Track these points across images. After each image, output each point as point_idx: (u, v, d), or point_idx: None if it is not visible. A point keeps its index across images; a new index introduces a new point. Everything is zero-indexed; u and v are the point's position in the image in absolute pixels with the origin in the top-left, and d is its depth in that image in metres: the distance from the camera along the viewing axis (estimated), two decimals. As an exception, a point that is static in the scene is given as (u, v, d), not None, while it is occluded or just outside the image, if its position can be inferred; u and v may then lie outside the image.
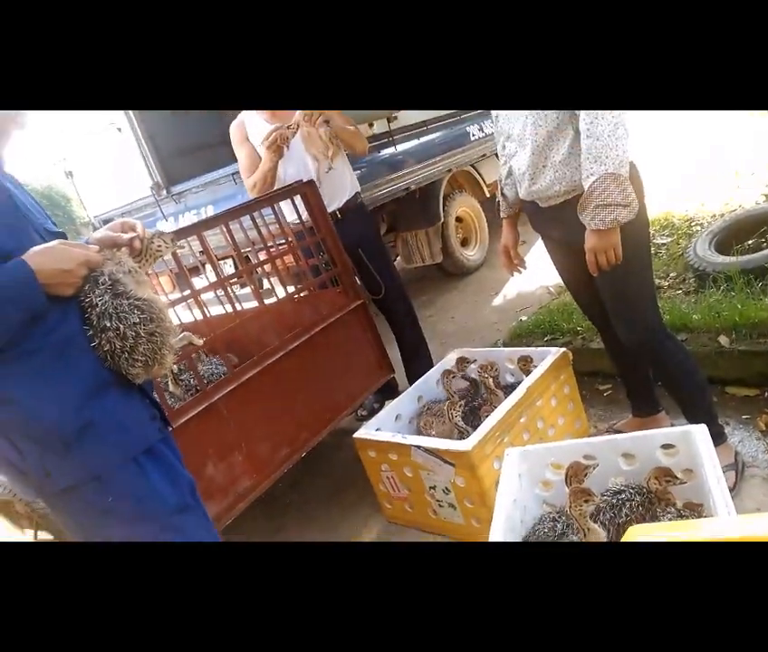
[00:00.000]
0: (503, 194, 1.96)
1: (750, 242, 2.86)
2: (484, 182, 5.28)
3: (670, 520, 1.47)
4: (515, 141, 1.76)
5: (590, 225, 1.58)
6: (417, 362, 2.86)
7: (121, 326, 1.17)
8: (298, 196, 2.42)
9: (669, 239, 3.54)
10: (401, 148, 4.32)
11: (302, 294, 2.56)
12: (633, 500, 1.54)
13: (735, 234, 2.92)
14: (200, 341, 1.56)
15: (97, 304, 1.17)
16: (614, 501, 1.55)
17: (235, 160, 2.90)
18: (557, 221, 1.78)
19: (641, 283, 1.75)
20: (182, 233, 2.13)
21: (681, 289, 2.85)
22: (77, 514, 1.22)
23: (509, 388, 2.24)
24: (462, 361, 2.38)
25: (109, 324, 1.17)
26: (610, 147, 1.50)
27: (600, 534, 1.45)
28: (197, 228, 2.14)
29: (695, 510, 1.49)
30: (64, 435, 1.14)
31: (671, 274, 3.03)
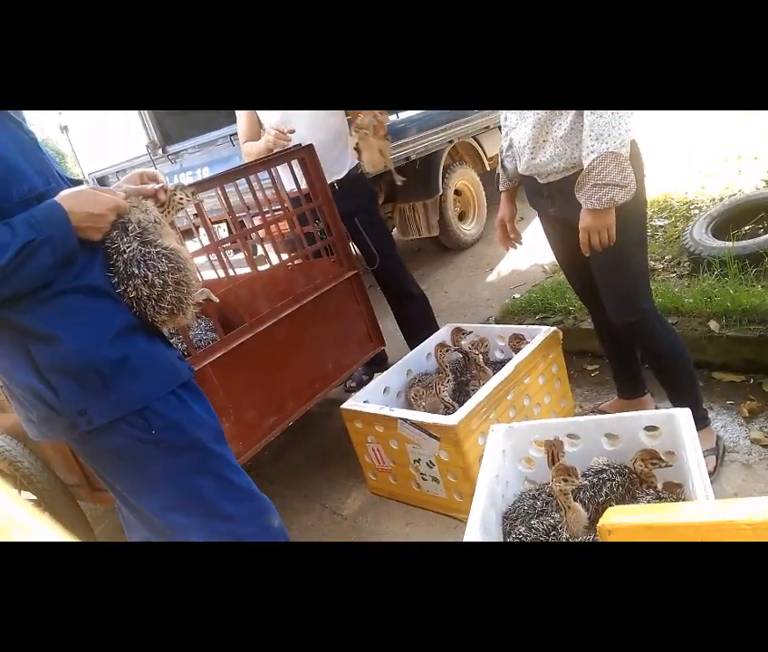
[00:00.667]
0: (503, 166, 1.94)
1: (747, 227, 2.85)
2: (486, 155, 5.20)
3: (649, 501, 1.49)
4: (517, 112, 1.74)
5: (585, 204, 1.57)
6: (414, 342, 2.79)
7: (149, 274, 1.17)
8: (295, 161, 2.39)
9: (667, 221, 3.53)
10: (403, 115, 4.25)
11: (295, 262, 2.54)
12: (614, 480, 1.56)
13: (734, 219, 2.91)
14: (217, 299, 1.56)
15: (125, 251, 1.17)
16: (595, 480, 1.57)
17: (233, 122, 2.86)
18: (555, 197, 1.76)
19: (635, 263, 1.74)
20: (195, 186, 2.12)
21: (675, 272, 2.85)
22: (113, 453, 1.23)
23: (498, 365, 2.25)
24: (457, 332, 2.38)
25: (137, 271, 1.17)
26: (613, 125, 1.48)
27: (580, 512, 1.47)
28: (192, 189, 2.11)
29: (673, 491, 1.52)
30: (102, 369, 1.15)
31: (666, 257, 3.02)
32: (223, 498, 1.30)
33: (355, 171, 2.73)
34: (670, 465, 1.53)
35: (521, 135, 1.73)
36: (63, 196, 1.11)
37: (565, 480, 1.43)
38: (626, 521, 1.18)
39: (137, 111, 4.16)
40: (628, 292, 1.75)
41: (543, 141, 1.67)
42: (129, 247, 1.17)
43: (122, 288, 1.18)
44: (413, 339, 2.77)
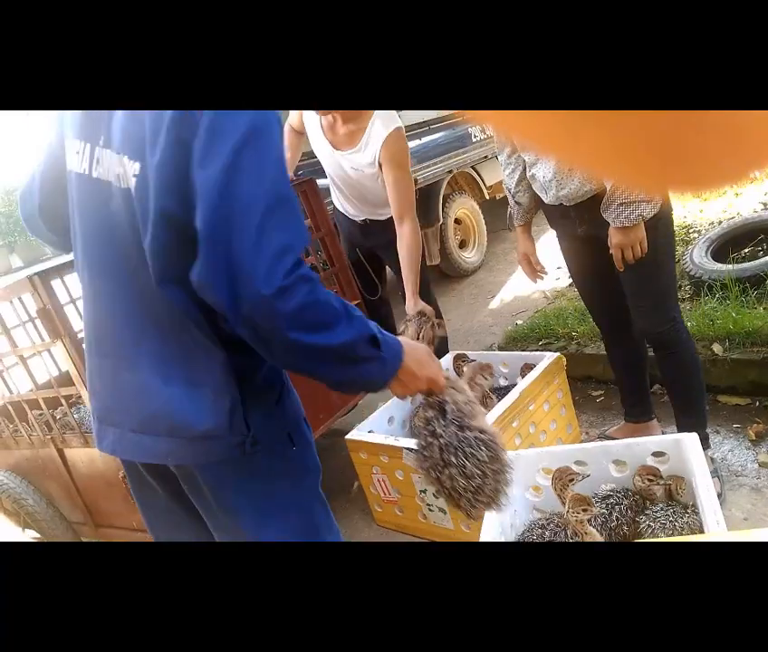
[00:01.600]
0: (516, 202, 1.96)
1: (746, 250, 2.87)
2: (485, 184, 5.28)
3: (659, 515, 1.49)
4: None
5: (614, 223, 1.60)
6: None
7: (468, 463, 1.05)
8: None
9: (666, 245, 3.55)
10: (402, 148, 4.32)
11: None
12: (621, 503, 1.56)
13: (732, 241, 2.93)
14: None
15: (441, 434, 1.06)
16: (603, 506, 1.56)
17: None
18: (583, 217, 1.79)
19: (666, 272, 1.77)
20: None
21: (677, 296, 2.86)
22: (257, 474, 1.12)
23: (502, 392, 2.24)
24: (459, 359, 2.38)
25: (454, 460, 1.05)
26: None
27: (597, 538, 1.46)
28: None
29: (680, 486, 1.52)
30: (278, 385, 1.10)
31: (667, 281, 3.03)
32: (327, 528, 1.22)
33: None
34: (669, 484, 1.54)
35: (544, 170, 1.76)
36: (402, 339, 1.05)
37: (585, 510, 1.42)
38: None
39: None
40: (661, 301, 1.78)
41: (569, 171, 1.70)
42: (446, 431, 1.06)
43: (435, 475, 1.08)
44: None
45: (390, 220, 2.51)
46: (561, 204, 1.80)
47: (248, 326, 0.89)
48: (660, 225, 1.66)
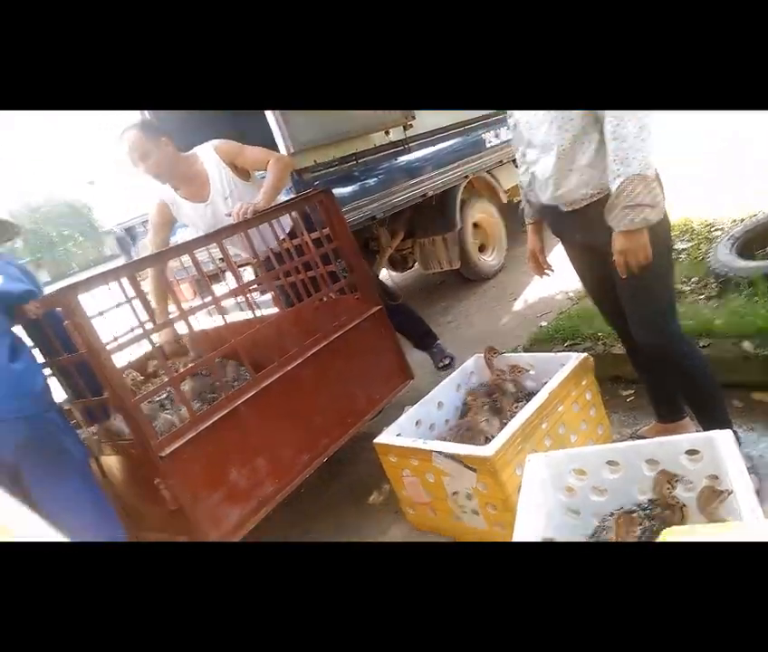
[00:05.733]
0: (527, 201, 1.97)
1: (772, 246, 2.83)
2: (501, 188, 5.28)
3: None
4: (537, 148, 1.76)
5: (618, 227, 1.57)
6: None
7: None
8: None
9: (689, 244, 3.51)
10: (418, 154, 4.33)
11: (321, 300, 2.57)
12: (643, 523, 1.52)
13: (757, 238, 2.90)
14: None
15: None
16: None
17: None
18: (580, 224, 1.77)
19: (661, 287, 1.74)
20: (202, 241, 2.17)
21: (703, 294, 2.82)
22: None
23: (529, 395, 2.23)
24: (490, 351, 2.39)
25: None
26: (637, 148, 1.49)
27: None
28: (218, 236, 2.16)
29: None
30: None
31: (692, 279, 3.00)
32: None
33: None
34: (691, 483, 1.51)
35: (544, 168, 1.75)
36: None
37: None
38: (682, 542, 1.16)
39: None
40: (654, 314, 1.75)
41: (569, 170, 1.69)
42: None
43: None
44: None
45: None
46: (558, 207, 1.79)
47: None
48: (658, 235, 1.62)
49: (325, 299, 2.58)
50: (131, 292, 2.08)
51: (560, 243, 1.99)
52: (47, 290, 1.95)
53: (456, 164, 4.65)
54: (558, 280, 3.26)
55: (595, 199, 1.68)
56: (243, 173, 2.66)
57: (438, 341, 3.22)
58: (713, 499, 1.46)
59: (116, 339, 2.33)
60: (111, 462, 2.00)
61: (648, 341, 1.78)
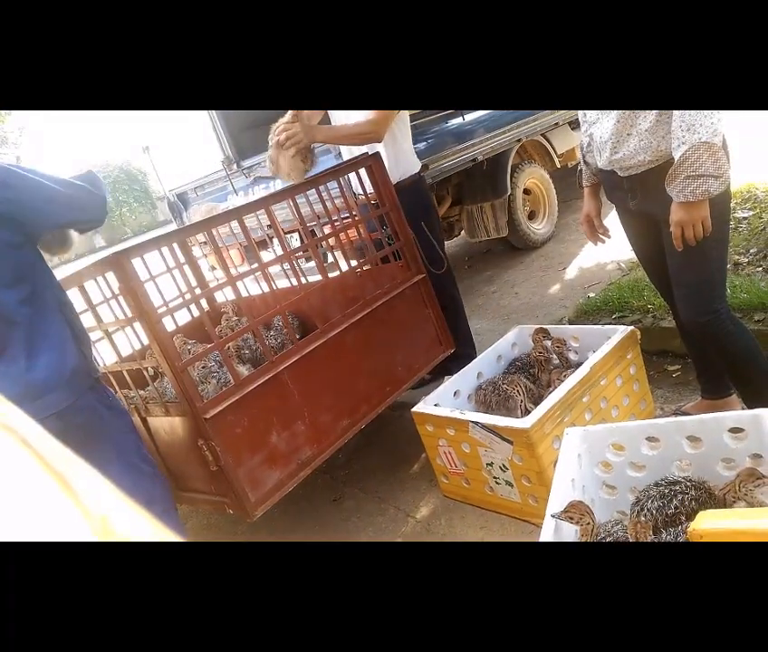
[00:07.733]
0: (585, 162, 1.91)
1: None
2: (555, 152, 5.10)
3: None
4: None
5: (678, 197, 1.51)
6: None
7: None
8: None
9: (751, 213, 3.33)
10: (470, 117, 4.23)
11: (364, 268, 2.59)
12: (687, 493, 1.47)
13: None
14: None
15: None
16: (666, 490, 1.49)
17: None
18: (635, 191, 1.72)
19: (713, 260, 1.67)
20: (251, 207, 2.21)
21: (762, 266, 2.69)
22: None
23: (571, 367, 2.20)
24: (539, 332, 2.34)
25: None
26: (704, 114, 1.42)
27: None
28: (266, 202, 2.20)
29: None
30: None
31: (751, 251, 2.85)
32: None
33: (417, 176, 2.73)
34: (733, 461, 1.45)
35: (602, 130, 1.70)
36: None
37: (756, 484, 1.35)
38: (718, 526, 1.14)
39: (212, 129, 4.35)
40: (699, 291, 1.68)
41: (627, 135, 1.63)
42: None
43: None
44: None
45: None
46: (615, 174, 1.73)
47: None
48: (717, 207, 1.54)
49: (370, 266, 2.59)
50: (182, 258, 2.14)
51: (614, 209, 1.93)
52: (102, 254, 2.03)
53: (509, 126, 4.50)
54: (609, 249, 3.18)
55: (654, 166, 1.62)
56: None
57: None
58: (749, 481, 1.41)
59: (166, 303, 2.42)
60: (157, 423, 2.10)
61: (690, 318, 1.72)
